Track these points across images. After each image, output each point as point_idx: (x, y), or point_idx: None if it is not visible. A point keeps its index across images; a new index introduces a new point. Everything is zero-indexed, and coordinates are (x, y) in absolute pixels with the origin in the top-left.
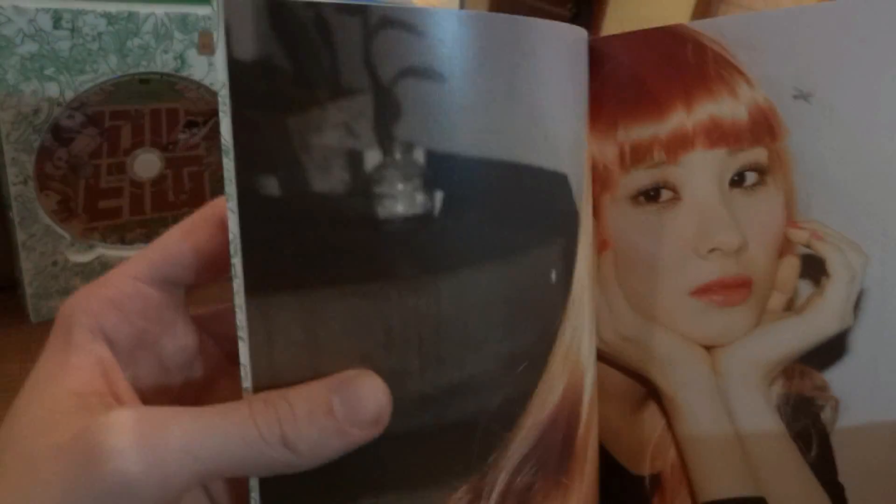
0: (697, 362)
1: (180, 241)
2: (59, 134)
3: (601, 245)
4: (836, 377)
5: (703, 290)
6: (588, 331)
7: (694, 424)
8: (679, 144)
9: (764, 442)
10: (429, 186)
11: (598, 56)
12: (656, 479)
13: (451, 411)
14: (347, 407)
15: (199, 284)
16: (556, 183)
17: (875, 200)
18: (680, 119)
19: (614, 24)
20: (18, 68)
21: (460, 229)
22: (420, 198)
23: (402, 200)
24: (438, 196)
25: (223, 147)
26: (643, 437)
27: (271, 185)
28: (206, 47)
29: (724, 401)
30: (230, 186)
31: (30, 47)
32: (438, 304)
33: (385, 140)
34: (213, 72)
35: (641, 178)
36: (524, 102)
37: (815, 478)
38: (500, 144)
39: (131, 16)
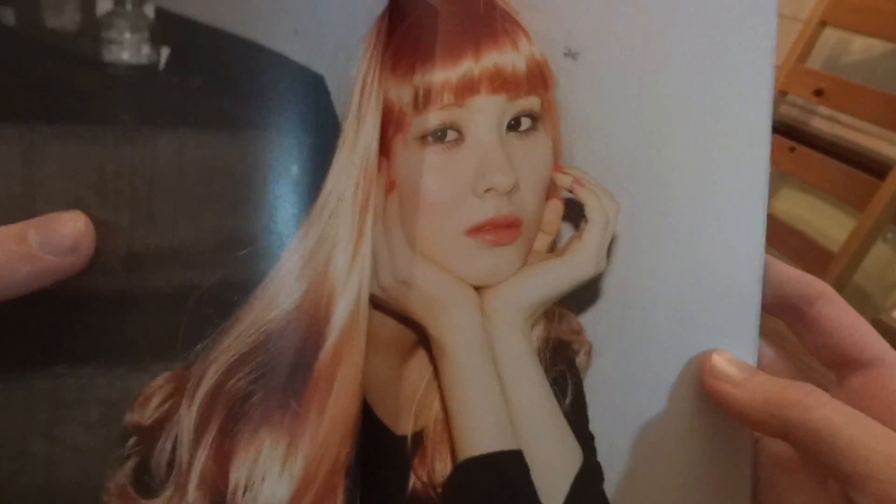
0: (467, 302)
1: None
2: None
3: (389, 186)
4: (591, 321)
5: (477, 229)
6: (346, 250)
7: (460, 369)
8: (466, 88)
9: (524, 388)
10: (156, 40)
11: (404, 6)
12: (418, 438)
13: (158, 279)
14: (42, 235)
15: None
16: (306, 79)
17: (625, 153)
18: (469, 65)
19: None
20: None
21: (184, 88)
22: (146, 49)
23: (127, 48)
24: (164, 52)
25: None
26: (409, 390)
27: (8, 16)
28: None
29: (490, 344)
30: None
31: None
32: (154, 159)
33: None
34: None
35: (431, 119)
36: None
37: (569, 427)
38: (236, 19)
39: None
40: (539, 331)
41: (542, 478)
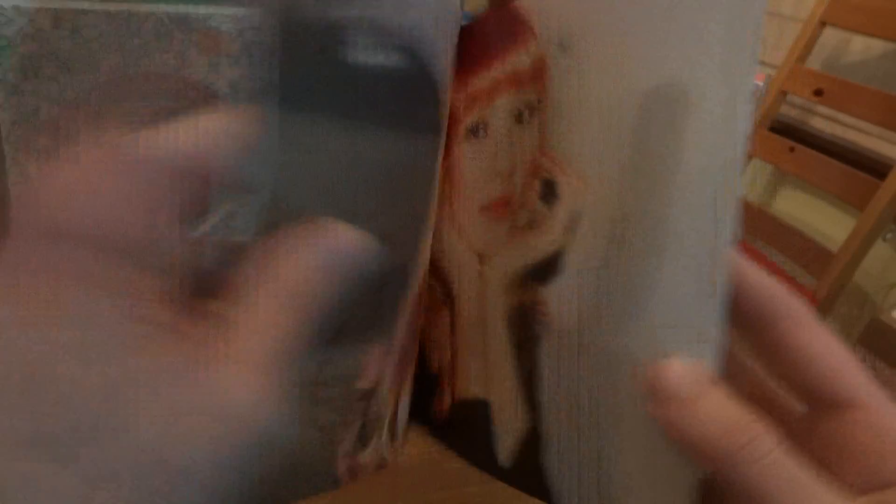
0: (473, 269)
1: None
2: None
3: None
4: (552, 294)
5: (486, 208)
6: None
7: (464, 324)
8: (495, 92)
9: (497, 348)
10: None
11: (470, 31)
12: (436, 377)
13: None
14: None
15: None
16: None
17: (598, 138)
18: (496, 74)
19: None
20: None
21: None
22: None
23: None
24: None
25: None
26: (436, 334)
27: None
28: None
29: (484, 306)
30: None
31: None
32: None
33: None
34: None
35: (472, 118)
36: None
37: (523, 390)
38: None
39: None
40: (509, 298)
41: (499, 433)
